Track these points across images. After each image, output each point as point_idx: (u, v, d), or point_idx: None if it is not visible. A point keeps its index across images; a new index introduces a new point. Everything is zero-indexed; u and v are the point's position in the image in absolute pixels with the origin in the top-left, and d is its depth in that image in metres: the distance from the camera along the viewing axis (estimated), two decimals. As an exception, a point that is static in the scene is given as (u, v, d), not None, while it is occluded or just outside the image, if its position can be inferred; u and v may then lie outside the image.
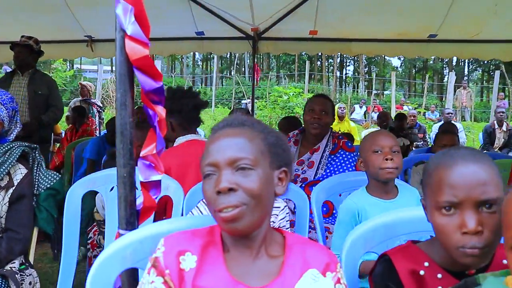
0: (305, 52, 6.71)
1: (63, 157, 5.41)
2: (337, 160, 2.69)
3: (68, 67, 23.89)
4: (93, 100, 8.41)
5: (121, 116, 1.20)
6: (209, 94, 22.57)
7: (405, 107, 14.56)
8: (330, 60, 34.40)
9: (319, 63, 33.94)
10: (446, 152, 1.11)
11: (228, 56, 35.67)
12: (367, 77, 30.66)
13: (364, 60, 33.64)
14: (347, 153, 2.72)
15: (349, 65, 38.95)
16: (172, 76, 26.04)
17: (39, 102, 4.47)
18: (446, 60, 32.28)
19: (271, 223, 1.95)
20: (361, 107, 15.48)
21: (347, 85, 33.62)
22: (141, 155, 1.24)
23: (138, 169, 1.24)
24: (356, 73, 34.66)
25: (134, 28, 1.20)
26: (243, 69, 32.31)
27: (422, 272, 1.10)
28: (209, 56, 34.78)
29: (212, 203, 1.02)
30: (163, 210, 2.14)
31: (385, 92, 30.69)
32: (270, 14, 5.38)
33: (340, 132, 7.41)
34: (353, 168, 2.65)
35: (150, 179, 1.22)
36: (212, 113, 14.76)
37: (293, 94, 12.50)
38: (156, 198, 1.25)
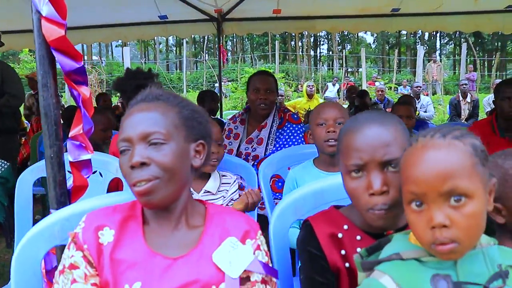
0: (270, 31, 6.69)
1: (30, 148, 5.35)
2: (284, 134, 2.72)
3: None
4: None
5: (44, 98, 1.21)
6: (183, 79, 22.38)
7: (377, 83, 14.69)
8: (304, 40, 34.36)
9: (293, 43, 33.89)
10: (353, 117, 1.15)
11: (201, 39, 35.31)
12: (340, 55, 30.73)
13: (338, 38, 33.71)
14: (293, 126, 2.76)
15: (323, 44, 38.99)
16: (144, 62, 25.70)
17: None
18: (419, 35, 32.59)
19: (222, 198, 2.00)
20: (334, 85, 15.56)
21: (322, 64, 33.66)
22: (69, 135, 1.26)
23: (68, 150, 1.26)
24: (330, 52, 34.70)
25: (49, 9, 1.20)
26: (217, 52, 32.04)
27: (340, 235, 1.14)
28: (182, 41, 34.34)
29: (127, 177, 1.04)
30: (115, 191, 2.16)
31: (360, 69, 30.89)
32: (232, -6, 5.37)
33: (309, 109, 7.49)
34: (301, 139, 2.70)
35: (80, 159, 1.24)
36: (184, 98, 14.62)
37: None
38: (87, 177, 1.27)
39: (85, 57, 27.07)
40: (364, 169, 1.06)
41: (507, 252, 0.95)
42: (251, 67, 14.47)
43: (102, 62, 27.44)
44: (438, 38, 36.64)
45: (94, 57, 29.73)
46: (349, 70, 29.28)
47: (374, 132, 1.06)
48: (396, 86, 14.84)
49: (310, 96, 7.51)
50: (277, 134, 2.75)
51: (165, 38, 30.58)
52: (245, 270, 1.07)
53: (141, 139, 1.04)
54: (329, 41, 35.97)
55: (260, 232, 1.14)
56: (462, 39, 27.59)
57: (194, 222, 1.13)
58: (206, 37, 33.74)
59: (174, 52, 39.79)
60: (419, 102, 7.74)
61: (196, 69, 27.32)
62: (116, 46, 35.06)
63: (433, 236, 0.85)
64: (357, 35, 34.25)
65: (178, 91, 17.62)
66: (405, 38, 33.65)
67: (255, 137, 2.79)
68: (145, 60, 29.38)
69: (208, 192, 1.96)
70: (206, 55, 29.28)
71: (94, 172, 2.08)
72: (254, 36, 29.07)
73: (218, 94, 5.63)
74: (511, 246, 1.16)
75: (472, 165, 0.87)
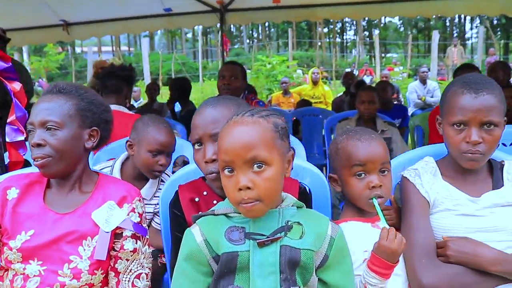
0: (271, 20, 6.87)
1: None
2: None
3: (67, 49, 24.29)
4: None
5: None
6: (208, 68, 22.69)
7: (396, 69, 14.61)
8: (331, 26, 34.07)
9: (320, 29, 33.64)
10: None
11: (227, 28, 35.54)
12: (367, 40, 30.37)
13: (365, 24, 33.27)
14: (259, 112, 2.98)
15: (350, 30, 38.50)
16: (171, 52, 26.18)
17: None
18: (449, 18, 31.70)
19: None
20: (352, 71, 15.52)
21: (348, 51, 33.35)
22: (8, 121, 1.55)
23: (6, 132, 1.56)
24: (357, 37, 34.31)
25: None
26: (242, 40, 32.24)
27: (197, 199, 1.39)
28: (208, 30, 34.69)
29: (31, 153, 1.35)
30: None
31: (387, 55, 30.42)
32: (231, -15, 5.56)
33: (314, 96, 7.64)
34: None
35: (16, 139, 1.53)
36: (200, 87, 14.97)
37: (276, 63, 12.66)
38: (23, 154, 1.56)
39: (113, 48, 27.95)
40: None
41: (307, 213, 1.18)
42: (264, 55, 14.61)
43: (131, 53, 28.16)
44: (467, 21, 35.52)
45: (123, 48, 30.52)
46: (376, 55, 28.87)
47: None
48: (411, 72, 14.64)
49: (315, 82, 7.66)
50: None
51: (193, 28, 31.04)
52: (118, 227, 1.36)
53: (40, 125, 1.35)
54: (356, 26, 35.51)
55: (137, 198, 1.43)
56: (479, 23, 26.77)
57: (86, 188, 1.43)
58: (229, 27, 33.96)
59: (203, 40, 40.18)
60: (425, 87, 7.76)
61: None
62: (144, 37, 35.77)
63: (240, 196, 1.07)
64: (384, 20, 33.64)
65: (196, 80, 17.81)
66: (433, 22, 32.81)
67: (222, 123, 3.02)
68: (171, 50, 29.85)
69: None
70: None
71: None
72: (279, 23, 29.06)
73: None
74: (351, 215, 1.38)
75: (271, 139, 1.09)
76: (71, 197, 1.40)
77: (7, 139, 1.55)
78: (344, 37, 37.55)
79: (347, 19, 33.41)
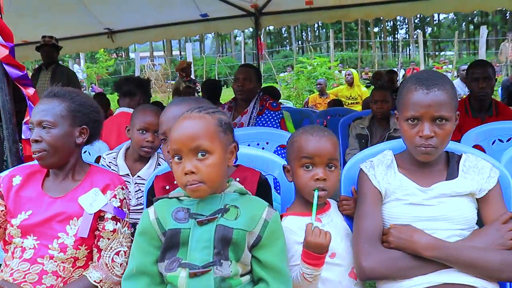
0: (305, 22, 6.94)
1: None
2: (263, 120, 3.08)
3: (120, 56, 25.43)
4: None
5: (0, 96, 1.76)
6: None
7: (444, 67, 14.17)
8: (382, 26, 33.42)
9: (371, 29, 33.06)
10: None
11: (276, 30, 35.79)
12: (417, 39, 29.43)
13: (418, 21, 32.34)
14: (271, 112, 3.10)
15: (401, 29, 37.49)
16: (219, 55, 26.75)
17: (60, 91, 5.22)
18: (508, 13, 30.10)
19: None
20: (399, 70, 15.22)
21: (400, 49, 32.48)
22: (23, 121, 1.80)
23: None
24: (407, 36, 33.40)
25: (-3, 36, 1.72)
26: (291, 42, 32.28)
27: (167, 187, 1.59)
28: (258, 33, 35.02)
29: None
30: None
31: (441, 53, 29.40)
32: (265, -11, 5.71)
33: (351, 96, 7.63)
34: (278, 124, 3.04)
35: (30, 137, 1.76)
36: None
37: (317, 64, 12.66)
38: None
39: (165, 52, 28.93)
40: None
41: (247, 199, 1.32)
42: (305, 57, 14.63)
43: (182, 57, 28.99)
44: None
45: (174, 53, 31.47)
46: (430, 54, 28.04)
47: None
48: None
49: (350, 84, 7.65)
50: (257, 120, 3.12)
51: (241, 31, 31.51)
52: (101, 210, 1.57)
53: (37, 124, 1.58)
54: (408, 24, 34.54)
55: (120, 186, 1.63)
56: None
57: (77, 177, 1.66)
58: (279, 29, 34.10)
59: (252, 43, 40.61)
60: (466, 85, 7.51)
61: (270, 60, 27.78)
62: (194, 41, 36.71)
63: (186, 179, 1.24)
64: (438, 17, 32.51)
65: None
66: (491, 17, 31.31)
67: (237, 122, 3.16)
68: (220, 53, 30.49)
69: (139, 177, 2.25)
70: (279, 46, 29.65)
71: (84, 152, 2.63)
72: (328, 24, 28.91)
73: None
74: (297, 208, 1.49)
75: (214, 132, 1.27)
76: (64, 184, 1.63)
77: (23, 136, 1.84)
78: (397, 36, 36.65)
79: (398, 18, 32.70)
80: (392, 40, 34.34)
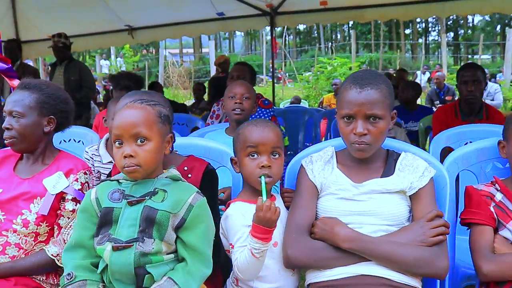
0: (320, 22, 6.98)
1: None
2: (254, 117, 3.15)
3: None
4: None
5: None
6: (285, 69, 22.96)
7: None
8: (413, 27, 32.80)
9: (408, 30, 32.54)
10: None
11: (307, 29, 35.73)
12: (451, 41, 28.85)
13: (451, 23, 31.63)
14: (263, 110, 3.18)
15: (434, 30, 36.70)
16: (248, 53, 26.95)
17: (73, 85, 5.41)
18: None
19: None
20: (423, 73, 14.97)
21: (431, 52, 31.84)
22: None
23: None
24: (440, 38, 32.63)
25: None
26: (318, 41, 32.10)
27: None
28: (287, 32, 35.04)
29: None
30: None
31: (476, 56, 28.64)
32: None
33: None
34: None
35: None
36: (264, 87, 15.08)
37: (337, 64, 12.61)
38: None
39: (194, 49, 29.39)
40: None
41: (178, 185, 1.44)
42: (325, 57, 14.60)
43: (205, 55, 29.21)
44: None
45: (203, 50, 31.76)
46: (461, 56, 27.37)
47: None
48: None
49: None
50: (250, 117, 3.20)
51: (267, 30, 31.58)
52: (62, 192, 1.71)
53: (8, 113, 1.74)
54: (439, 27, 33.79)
55: (83, 171, 1.77)
56: None
57: (47, 161, 1.81)
58: (310, 27, 33.97)
59: (281, 42, 40.64)
60: (485, 89, 7.41)
61: (297, 58, 27.79)
62: (223, 39, 37.07)
63: (124, 162, 1.36)
64: (467, 19, 31.64)
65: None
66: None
67: (231, 117, 3.26)
68: (250, 51, 30.69)
69: None
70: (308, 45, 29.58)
71: (79, 142, 2.79)
72: (357, 24, 28.66)
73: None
74: (245, 196, 1.57)
75: (153, 122, 1.40)
76: (34, 167, 1.79)
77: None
78: (429, 37, 35.93)
79: (430, 19, 32.10)
80: (424, 42, 33.65)
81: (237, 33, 32.67)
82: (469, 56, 27.83)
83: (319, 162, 1.64)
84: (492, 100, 7.25)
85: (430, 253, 1.42)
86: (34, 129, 1.73)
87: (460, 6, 6.04)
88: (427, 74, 15.29)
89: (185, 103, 8.43)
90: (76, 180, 1.75)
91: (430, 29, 36.28)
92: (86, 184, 1.78)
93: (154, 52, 28.93)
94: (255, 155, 1.55)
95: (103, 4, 6.30)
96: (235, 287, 1.57)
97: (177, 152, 1.75)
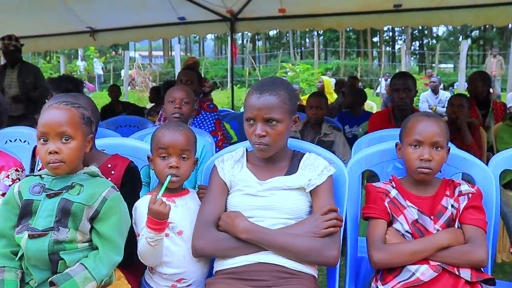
0: (279, 29, 7.16)
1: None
2: (198, 120, 3.26)
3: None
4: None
5: None
6: (253, 74, 23.14)
7: (433, 78, 14.32)
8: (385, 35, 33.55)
9: (376, 38, 33.21)
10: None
11: (276, 35, 36.04)
12: (413, 50, 29.61)
13: (415, 33, 32.49)
14: (208, 114, 3.29)
15: (400, 39, 37.58)
16: (218, 58, 26.99)
17: (29, 87, 5.39)
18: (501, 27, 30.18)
19: None
20: (386, 80, 15.40)
21: (397, 60, 32.62)
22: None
23: None
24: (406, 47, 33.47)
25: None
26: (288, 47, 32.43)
27: None
28: (257, 37, 35.32)
29: None
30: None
31: (440, 65, 29.51)
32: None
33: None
34: (212, 124, 3.24)
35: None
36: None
37: (299, 70, 12.89)
38: None
39: (163, 52, 29.31)
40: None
41: (95, 180, 1.56)
42: (290, 63, 14.90)
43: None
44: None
45: (173, 53, 31.68)
46: (426, 65, 28.15)
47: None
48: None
49: (321, 91, 7.88)
50: (194, 119, 3.31)
51: (240, 35, 31.82)
52: None
53: None
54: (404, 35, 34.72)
55: (14, 168, 1.87)
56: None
57: None
58: (280, 33, 34.29)
59: (247, 48, 40.87)
60: (437, 97, 7.77)
61: (266, 64, 28.02)
62: (194, 43, 36.99)
63: (49, 158, 1.47)
64: (431, 29, 32.64)
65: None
66: (483, 31, 31.37)
67: (177, 121, 3.37)
68: (220, 55, 30.77)
69: None
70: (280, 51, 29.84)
71: (25, 141, 2.85)
72: (326, 31, 29.12)
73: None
74: (157, 190, 1.69)
75: (77, 122, 1.52)
76: None
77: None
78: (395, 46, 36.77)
79: (397, 29, 32.94)
80: (391, 50, 34.43)
81: (208, 36, 32.81)
82: (433, 65, 28.73)
83: (229, 162, 1.77)
84: (443, 107, 7.58)
85: (321, 243, 1.56)
86: None
87: (411, 17, 6.34)
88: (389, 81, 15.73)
89: (146, 106, 8.47)
90: (7, 176, 1.83)
91: (397, 37, 37.16)
92: (18, 180, 1.85)
93: (123, 54, 28.69)
94: (166, 156, 1.68)
95: (64, 6, 6.28)
96: (151, 274, 1.70)
97: (104, 151, 1.86)
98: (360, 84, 8.71)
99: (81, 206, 1.47)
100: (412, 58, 32.04)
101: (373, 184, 1.78)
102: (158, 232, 1.51)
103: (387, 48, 34.13)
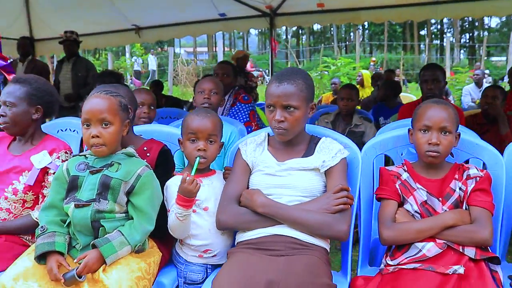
0: (317, 23, 7.23)
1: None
2: (234, 111, 3.46)
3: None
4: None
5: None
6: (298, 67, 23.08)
7: (476, 71, 13.87)
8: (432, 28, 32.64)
9: (424, 31, 32.36)
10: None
11: (320, 29, 35.84)
12: (463, 42, 28.60)
13: (465, 25, 31.36)
14: (242, 105, 3.48)
15: (449, 32, 36.30)
16: (262, 53, 27.19)
17: (79, 81, 5.80)
18: None
19: None
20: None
21: (443, 54, 31.60)
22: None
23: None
24: (454, 39, 32.38)
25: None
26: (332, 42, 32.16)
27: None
28: (300, 32, 35.25)
29: None
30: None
31: (493, 58, 28.36)
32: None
33: (362, 97, 7.84)
34: (247, 115, 3.42)
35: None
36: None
37: (341, 64, 12.83)
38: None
39: (208, 48, 29.83)
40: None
41: (131, 159, 1.78)
42: (332, 58, 14.84)
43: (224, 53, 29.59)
44: None
45: (217, 48, 32.16)
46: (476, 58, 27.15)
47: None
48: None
49: (361, 84, 7.88)
50: (230, 110, 3.51)
51: (284, 30, 31.91)
52: (46, 167, 2.04)
53: (3, 103, 2.07)
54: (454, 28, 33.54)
55: (64, 150, 2.09)
56: None
57: (34, 142, 2.14)
58: (322, 27, 34.07)
59: (290, 42, 40.74)
60: (480, 90, 7.60)
61: (310, 58, 27.97)
62: (238, 38, 37.39)
63: (92, 141, 1.70)
64: (489, 21, 31.33)
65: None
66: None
67: (215, 112, 3.57)
68: (264, 50, 31.00)
69: None
70: (322, 45, 29.68)
71: (74, 131, 3.13)
72: (371, 25, 28.71)
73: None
74: (187, 170, 1.86)
75: (116, 109, 1.74)
76: (24, 146, 2.14)
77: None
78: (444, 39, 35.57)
79: (445, 20, 31.87)
80: (439, 43, 33.42)
81: (252, 32, 33.09)
82: (485, 58, 27.59)
83: (252, 145, 1.93)
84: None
85: (332, 218, 1.70)
86: (23, 116, 2.07)
87: (452, 9, 6.22)
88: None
89: (190, 100, 8.76)
90: (58, 157, 2.07)
91: (446, 30, 35.98)
92: (67, 161, 2.10)
93: (168, 50, 29.46)
94: (195, 139, 1.86)
95: (110, 4, 6.65)
96: (180, 245, 1.90)
97: (142, 136, 2.08)
98: (398, 77, 8.62)
99: (119, 181, 1.70)
100: (461, 51, 31.00)
101: (386, 167, 1.90)
102: (186, 208, 1.70)
103: (435, 42, 33.23)
